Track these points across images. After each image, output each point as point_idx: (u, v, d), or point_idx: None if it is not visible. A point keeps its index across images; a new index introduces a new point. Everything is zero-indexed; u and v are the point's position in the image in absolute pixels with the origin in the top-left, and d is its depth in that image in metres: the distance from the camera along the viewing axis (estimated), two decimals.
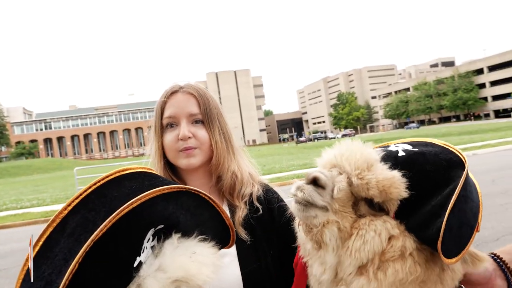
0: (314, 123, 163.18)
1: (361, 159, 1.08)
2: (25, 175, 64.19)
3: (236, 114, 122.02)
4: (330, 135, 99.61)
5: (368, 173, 1.04)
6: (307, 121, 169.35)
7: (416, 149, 1.14)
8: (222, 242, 1.18)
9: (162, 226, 0.97)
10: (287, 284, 1.50)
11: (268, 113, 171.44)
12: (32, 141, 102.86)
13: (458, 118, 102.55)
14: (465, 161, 1.06)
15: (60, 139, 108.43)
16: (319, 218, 1.07)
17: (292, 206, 1.11)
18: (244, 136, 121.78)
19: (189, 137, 1.57)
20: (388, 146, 1.22)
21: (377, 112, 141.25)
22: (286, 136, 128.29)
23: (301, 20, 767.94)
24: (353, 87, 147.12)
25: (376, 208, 1.06)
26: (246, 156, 1.81)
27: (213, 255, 1.07)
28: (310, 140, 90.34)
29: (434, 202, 1.01)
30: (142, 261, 0.91)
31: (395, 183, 1.02)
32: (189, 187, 1.05)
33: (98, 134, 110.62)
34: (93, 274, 0.82)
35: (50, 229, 0.88)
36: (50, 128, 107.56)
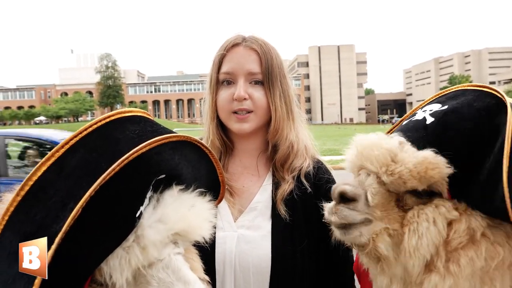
0: None
1: (381, 152, 0.93)
2: None
3: (335, 91, 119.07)
4: None
5: (396, 165, 0.91)
6: (411, 103, 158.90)
7: (445, 107, 0.97)
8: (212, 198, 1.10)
9: (163, 176, 0.92)
10: (318, 276, 1.43)
11: (369, 92, 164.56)
12: (143, 101, 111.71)
13: None
14: (505, 99, 0.88)
15: (166, 102, 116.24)
16: (365, 235, 0.93)
17: (334, 232, 1.01)
18: (341, 114, 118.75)
19: (245, 99, 1.41)
20: (414, 115, 1.06)
21: None
22: (386, 117, 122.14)
23: None
24: (469, 69, 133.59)
25: (425, 195, 0.92)
26: (304, 125, 1.59)
27: (210, 210, 1.01)
28: None
29: (488, 164, 0.84)
30: (142, 211, 0.86)
31: (431, 164, 0.88)
32: (193, 137, 0.98)
33: (200, 100, 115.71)
34: (95, 221, 0.76)
35: (44, 168, 0.80)
36: (159, 91, 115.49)
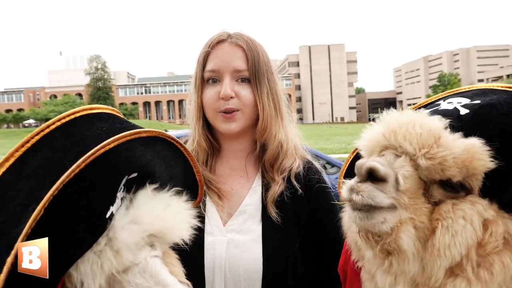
0: (409, 104, 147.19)
1: (424, 132, 0.83)
2: None
3: (326, 90, 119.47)
4: None
5: (439, 149, 0.81)
6: (401, 101, 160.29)
7: (478, 101, 0.90)
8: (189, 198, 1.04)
9: (135, 175, 0.86)
10: (312, 277, 1.39)
11: (359, 91, 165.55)
12: (133, 103, 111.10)
13: None
14: None
15: (157, 103, 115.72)
16: (388, 222, 0.81)
17: (348, 215, 0.88)
18: (332, 113, 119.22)
19: (231, 97, 1.36)
20: (438, 105, 0.98)
21: None
22: (376, 116, 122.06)
23: None
24: (458, 68, 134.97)
25: (457, 188, 0.83)
26: (294, 124, 1.55)
27: (187, 210, 0.95)
28: None
29: None
30: (113, 212, 0.80)
31: (477, 154, 0.79)
32: (166, 133, 0.92)
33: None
34: (60, 223, 0.70)
35: (2, 169, 0.74)
36: (150, 92, 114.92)
